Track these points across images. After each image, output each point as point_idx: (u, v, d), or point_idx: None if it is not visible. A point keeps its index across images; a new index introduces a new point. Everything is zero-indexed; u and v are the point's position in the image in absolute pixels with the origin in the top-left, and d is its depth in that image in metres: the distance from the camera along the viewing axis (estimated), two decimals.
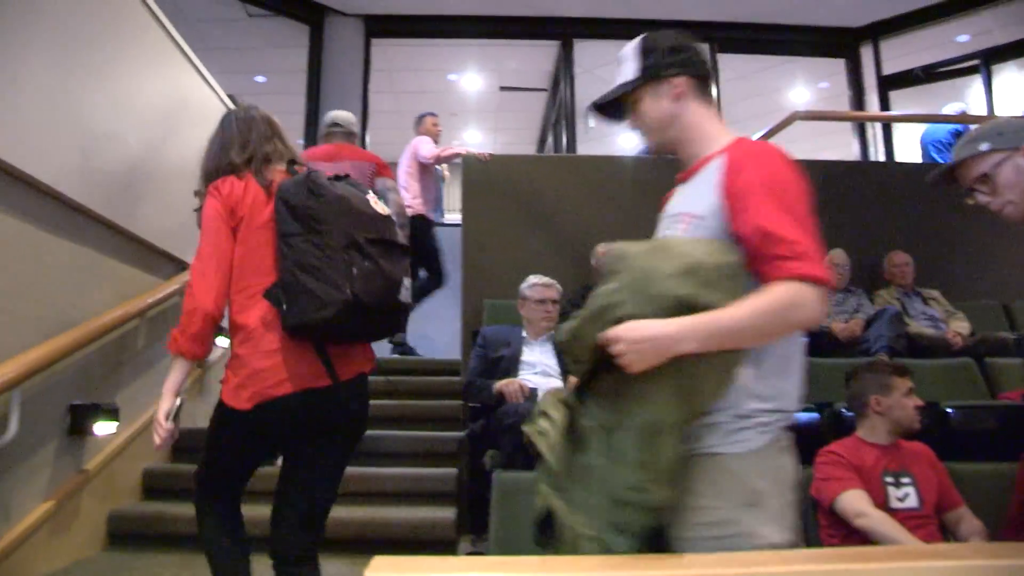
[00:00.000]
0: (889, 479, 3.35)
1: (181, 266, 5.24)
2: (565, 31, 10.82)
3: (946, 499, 3.41)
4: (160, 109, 5.01)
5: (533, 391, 4.44)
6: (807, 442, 4.41)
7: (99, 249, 4.28)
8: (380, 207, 2.74)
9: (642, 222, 6.69)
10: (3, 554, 3.36)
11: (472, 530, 4.67)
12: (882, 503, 3.26)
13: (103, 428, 4.09)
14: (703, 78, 2.13)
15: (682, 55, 2.11)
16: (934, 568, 1.64)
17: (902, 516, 3.21)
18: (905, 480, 3.36)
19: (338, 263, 2.52)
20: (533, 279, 4.96)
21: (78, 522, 4.04)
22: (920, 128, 8.98)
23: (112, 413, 4.16)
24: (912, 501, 3.31)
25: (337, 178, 2.74)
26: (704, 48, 2.21)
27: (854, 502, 3.23)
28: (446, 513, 4.48)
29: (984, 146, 2.39)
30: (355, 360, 2.70)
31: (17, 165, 3.41)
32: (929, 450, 3.55)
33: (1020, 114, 2.74)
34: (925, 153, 8.62)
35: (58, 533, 3.84)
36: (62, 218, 3.86)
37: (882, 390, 3.51)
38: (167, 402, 2.69)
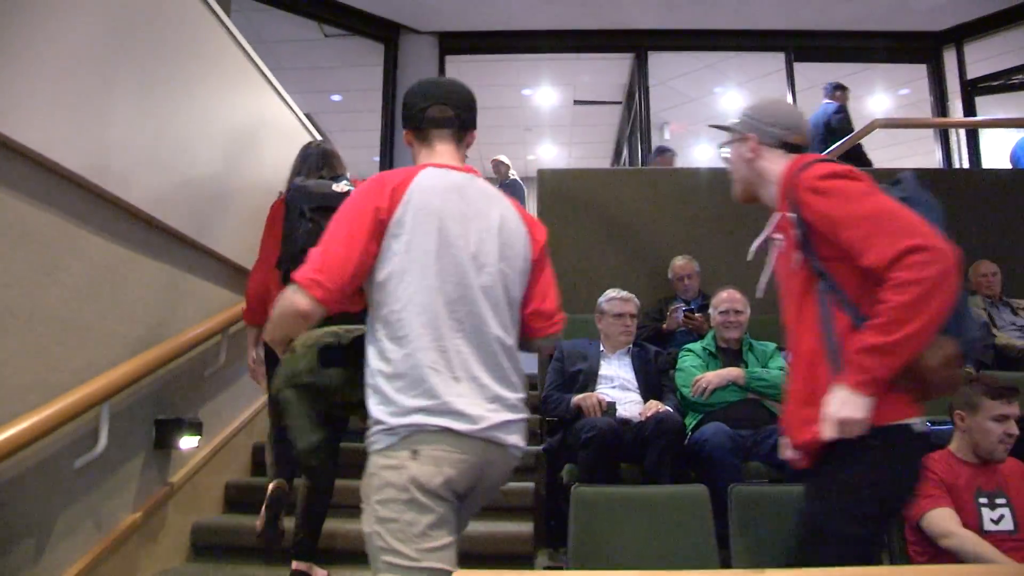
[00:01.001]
0: (983, 500, 3.20)
1: None
2: (639, 43, 10.79)
3: None
4: (240, 129, 5.10)
5: (611, 405, 4.43)
6: None
7: (182, 267, 4.37)
8: (339, 187, 3.86)
9: (717, 234, 6.69)
10: (94, 563, 3.44)
11: (550, 544, 4.66)
12: (975, 525, 3.13)
13: (187, 442, 4.17)
14: None
15: None
16: None
17: (996, 539, 3.08)
18: (1000, 501, 3.20)
19: (294, 228, 3.74)
20: (611, 293, 4.95)
21: (164, 533, 4.13)
22: (1014, 133, 8.79)
23: (196, 427, 4.24)
24: (1007, 523, 3.16)
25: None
26: None
27: (941, 521, 3.12)
28: (524, 527, 4.47)
29: (731, 121, 2.62)
30: None
31: (104, 186, 3.50)
32: None
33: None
34: (1017, 164, 8.44)
35: (145, 544, 3.92)
36: (146, 237, 3.96)
37: (968, 407, 3.33)
38: None
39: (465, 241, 2.34)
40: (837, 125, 8.68)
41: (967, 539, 3.04)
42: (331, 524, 4.04)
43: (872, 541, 2.23)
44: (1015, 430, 3.24)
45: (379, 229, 2.27)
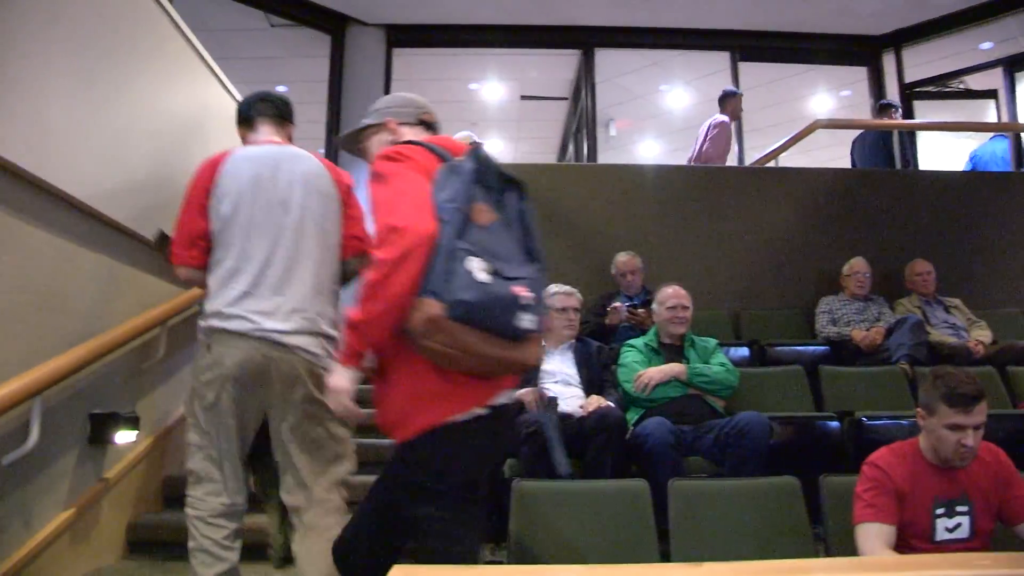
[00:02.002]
0: (940, 510, 2.99)
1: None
2: (586, 40, 10.83)
3: (1013, 512, 3.05)
4: (182, 119, 5.03)
5: (552, 400, 4.44)
6: (829, 450, 4.42)
7: (121, 259, 4.30)
8: None
9: (660, 231, 6.76)
10: (24, 563, 3.37)
11: (491, 539, 4.66)
12: (927, 536, 2.97)
13: (123, 437, 4.10)
14: None
15: None
16: None
17: (949, 548, 2.94)
18: (961, 508, 2.99)
19: None
20: (554, 288, 4.96)
21: (98, 531, 4.06)
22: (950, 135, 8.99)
23: (132, 422, 4.17)
24: (963, 531, 2.98)
25: None
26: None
27: (866, 540, 2.92)
28: None
29: (364, 122, 2.89)
30: None
31: (40, 175, 3.43)
32: (1000, 456, 3.13)
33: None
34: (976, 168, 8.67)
35: (78, 542, 3.86)
36: (84, 228, 3.88)
37: (926, 407, 3.05)
38: None
39: (274, 188, 3.17)
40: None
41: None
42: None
43: (464, 510, 2.32)
44: (971, 441, 2.93)
45: (205, 202, 3.18)
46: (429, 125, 2.80)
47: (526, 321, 2.16)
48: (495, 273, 2.16)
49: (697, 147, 8.26)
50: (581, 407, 4.44)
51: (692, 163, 8.25)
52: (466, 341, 2.12)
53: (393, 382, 2.31)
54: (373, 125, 2.83)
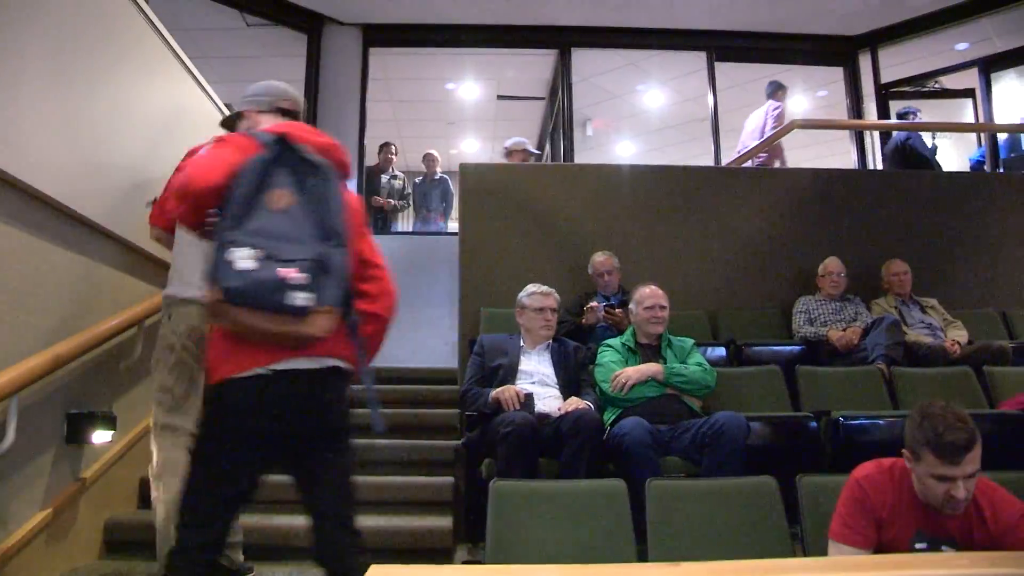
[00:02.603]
0: (921, 545, 2.78)
1: None
2: (563, 40, 10.82)
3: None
4: (158, 118, 5.00)
5: (528, 396, 4.45)
6: (806, 450, 4.43)
7: (97, 258, 4.27)
8: None
9: (637, 231, 6.76)
10: (0, 562, 3.35)
11: (469, 539, 4.66)
12: None
13: (100, 436, 4.09)
14: None
15: None
16: None
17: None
18: (946, 550, 2.76)
19: None
20: (532, 288, 4.97)
21: (75, 530, 4.04)
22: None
23: (109, 421, 4.15)
24: None
25: None
26: None
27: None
28: (443, 522, 4.47)
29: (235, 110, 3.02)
30: None
31: (15, 174, 3.41)
32: (1003, 514, 2.79)
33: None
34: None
35: (55, 541, 3.83)
36: (60, 227, 3.86)
37: (912, 452, 2.78)
38: None
39: None
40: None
41: None
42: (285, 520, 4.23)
43: (228, 456, 2.55)
44: (962, 493, 2.64)
45: None
46: (286, 112, 3.09)
47: (299, 299, 2.38)
48: (268, 258, 2.37)
49: (761, 128, 8.47)
50: (559, 408, 4.45)
51: (740, 154, 8.46)
52: (242, 319, 2.43)
53: (210, 342, 2.68)
54: (238, 113, 3.09)
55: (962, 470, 2.62)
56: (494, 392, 4.49)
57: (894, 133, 9.32)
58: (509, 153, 7.67)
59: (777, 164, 9.00)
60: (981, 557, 2.53)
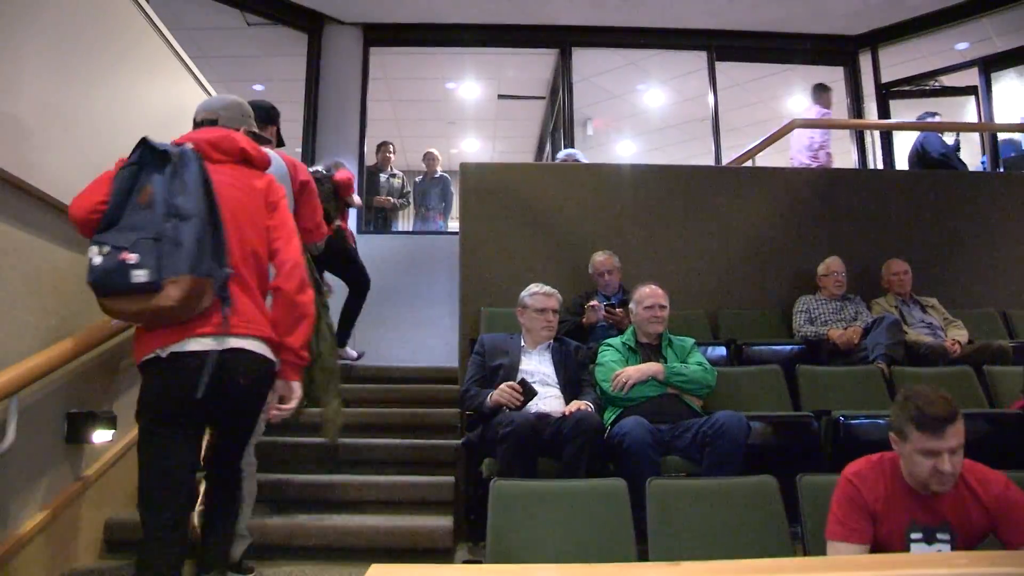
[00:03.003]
0: (917, 535, 2.83)
1: None
2: (563, 39, 10.82)
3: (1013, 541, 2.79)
4: (158, 117, 5.00)
5: (523, 382, 4.46)
6: (807, 450, 4.43)
7: None
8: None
9: (638, 230, 6.76)
10: (0, 563, 3.35)
11: (469, 538, 4.66)
12: None
13: (100, 436, 4.07)
14: None
15: None
16: None
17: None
18: (943, 536, 2.81)
19: None
20: (534, 288, 4.97)
21: (75, 530, 4.03)
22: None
23: (110, 421, 4.14)
24: None
25: None
26: None
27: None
28: (443, 521, 4.47)
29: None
30: None
31: (15, 174, 3.40)
32: (993, 488, 2.87)
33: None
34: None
35: (55, 541, 3.83)
36: (61, 226, 3.85)
37: (898, 432, 2.87)
38: None
39: None
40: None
41: None
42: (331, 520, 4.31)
43: (155, 432, 2.94)
44: (948, 467, 2.73)
45: None
46: (197, 124, 3.56)
47: (139, 276, 2.73)
48: (114, 248, 2.78)
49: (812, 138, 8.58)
50: (565, 412, 4.44)
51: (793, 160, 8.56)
52: (111, 307, 2.88)
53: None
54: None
55: (947, 443, 2.72)
56: (492, 396, 4.49)
57: (915, 139, 9.29)
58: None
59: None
60: (981, 556, 2.54)
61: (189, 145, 3.06)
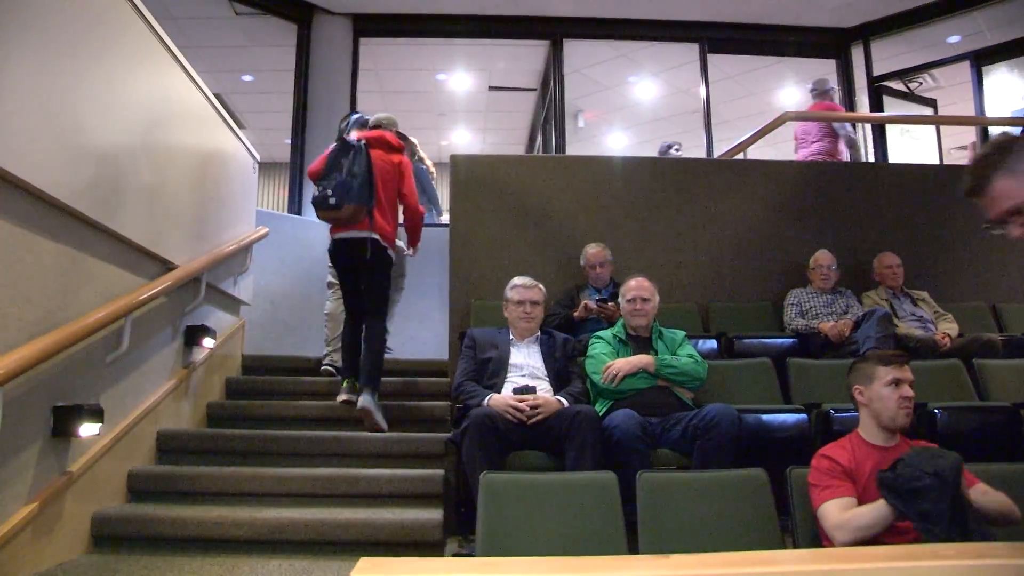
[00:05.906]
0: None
1: (166, 267, 5.20)
2: (555, 31, 10.81)
3: None
4: (146, 108, 4.97)
5: (525, 388, 4.46)
6: (796, 444, 4.43)
7: (84, 249, 4.23)
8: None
9: (629, 223, 6.74)
10: None
11: (459, 531, 4.65)
12: None
13: (87, 429, 4.04)
14: None
15: None
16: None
17: (902, 525, 2.92)
18: None
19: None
20: (516, 280, 5.01)
21: (62, 524, 4.00)
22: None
23: (96, 414, 4.12)
24: None
25: None
26: None
27: (831, 516, 3.05)
28: (433, 514, 4.45)
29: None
30: None
31: (1, 165, 3.37)
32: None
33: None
34: None
35: (41, 536, 3.80)
36: (47, 218, 3.82)
37: (864, 379, 3.37)
38: None
39: None
40: None
41: (860, 515, 2.99)
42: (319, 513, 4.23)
43: (341, 280, 5.83)
44: (911, 392, 3.29)
45: None
46: (371, 127, 6.16)
47: (332, 201, 5.42)
48: (322, 188, 5.44)
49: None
50: (526, 404, 4.43)
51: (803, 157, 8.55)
52: (322, 216, 5.54)
53: None
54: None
55: (907, 374, 3.33)
56: (492, 401, 4.47)
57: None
58: None
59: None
60: (969, 548, 2.53)
61: (363, 140, 5.56)
